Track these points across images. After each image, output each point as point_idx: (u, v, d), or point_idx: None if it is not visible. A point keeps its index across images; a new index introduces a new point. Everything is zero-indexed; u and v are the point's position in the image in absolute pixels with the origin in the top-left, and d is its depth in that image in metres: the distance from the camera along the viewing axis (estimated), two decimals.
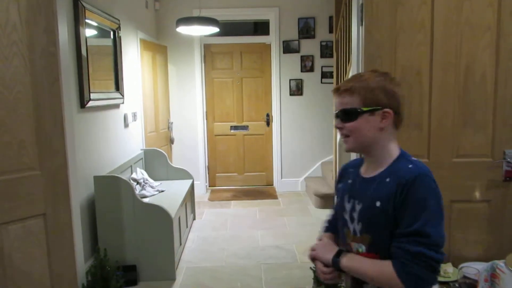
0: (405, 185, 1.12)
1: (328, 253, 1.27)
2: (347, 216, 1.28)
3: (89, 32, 3.09)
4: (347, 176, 1.36)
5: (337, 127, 1.27)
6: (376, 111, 1.19)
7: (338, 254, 1.24)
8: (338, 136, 4.72)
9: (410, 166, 1.16)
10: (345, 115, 1.22)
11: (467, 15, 2.07)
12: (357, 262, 1.20)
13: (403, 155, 1.23)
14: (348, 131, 1.23)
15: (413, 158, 1.22)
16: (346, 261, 1.22)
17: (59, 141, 2.11)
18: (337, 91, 1.24)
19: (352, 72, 2.34)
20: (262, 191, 5.69)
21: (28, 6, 1.95)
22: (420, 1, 2.06)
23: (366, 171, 1.27)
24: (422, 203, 1.10)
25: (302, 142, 5.71)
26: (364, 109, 1.19)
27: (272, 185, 5.87)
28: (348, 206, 1.28)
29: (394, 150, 1.23)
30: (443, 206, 1.14)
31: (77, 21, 2.87)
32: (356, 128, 1.21)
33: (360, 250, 1.22)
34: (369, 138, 1.22)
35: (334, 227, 1.41)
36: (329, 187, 5.01)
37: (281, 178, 5.78)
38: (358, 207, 1.24)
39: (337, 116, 1.25)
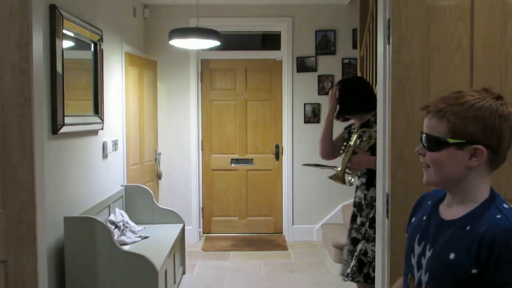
0: (492, 244, 1.09)
1: None
2: (414, 261, 1.30)
3: (66, 44, 3.23)
4: (423, 210, 1.36)
5: (418, 153, 1.27)
6: (466, 146, 1.18)
7: None
8: None
9: (499, 216, 1.14)
10: (429, 142, 1.23)
11: None
12: None
13: (493, 199, 1.20)
14: (430, 162, 1.24)
15: (505, 205, 1.19)
16: None
17: (27, 174, 2.18)
18: (426, 110, 1.25)
19: (379, 96, 2.43)
20: (269, 240, 5.71)
21: None
22: (456, 17, 2.16)
23: (446, 211, 1.27)
24: None
25: (319, 180, 5.70)
26: (451, 141, 1.18)
27: (281, 233, 5.89)
28: (417, 249, 1.29)
29: (484, 192, 1.22)
30: None
31: (53, 33, 3.01)
32: (438, 161, 1.22)
33: None
34: (453, 176, 1.21)
35: None
36: None
37: (292, 224, 5.80)
38: (428, 254, 1.24)
39: (420, 139, 1.26)
